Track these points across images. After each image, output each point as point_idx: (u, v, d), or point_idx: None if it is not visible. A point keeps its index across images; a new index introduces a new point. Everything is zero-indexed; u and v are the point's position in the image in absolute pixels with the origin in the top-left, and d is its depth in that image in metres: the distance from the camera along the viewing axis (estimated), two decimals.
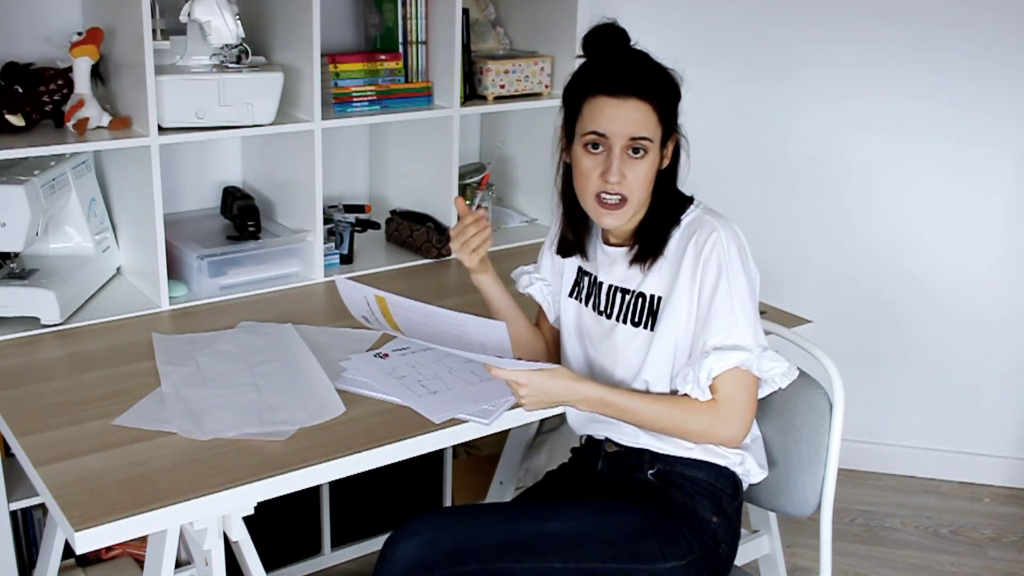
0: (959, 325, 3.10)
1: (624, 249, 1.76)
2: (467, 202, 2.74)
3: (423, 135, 2.64)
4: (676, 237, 1.71)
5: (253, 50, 2.30)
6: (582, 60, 1.70)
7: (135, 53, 2.09)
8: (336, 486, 2.56)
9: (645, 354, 1.73)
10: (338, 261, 2.53)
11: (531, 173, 2.93)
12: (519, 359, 1.65)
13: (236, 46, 2.23)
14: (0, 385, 1.88)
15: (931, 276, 3.07)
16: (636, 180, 1.65)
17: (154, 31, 2.16)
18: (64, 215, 2.26)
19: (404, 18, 2.53)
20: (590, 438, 1.87)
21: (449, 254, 2.56)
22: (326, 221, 2.50)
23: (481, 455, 2.90)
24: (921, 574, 2.79)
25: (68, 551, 2.18)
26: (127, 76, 2.19)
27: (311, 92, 2.31)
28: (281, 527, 2.51)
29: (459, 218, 1.86)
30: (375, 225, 2.64)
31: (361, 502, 2.66)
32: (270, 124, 2.30)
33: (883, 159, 3.01)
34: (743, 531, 1.91)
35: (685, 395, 1.68)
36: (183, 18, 2.18)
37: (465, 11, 2.55)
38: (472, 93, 2.66)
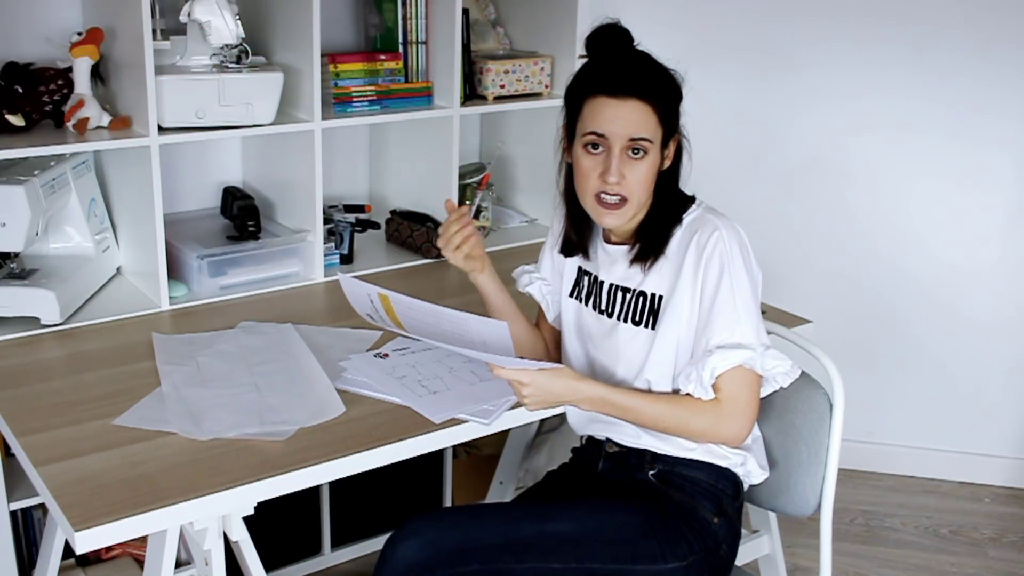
0: (959, 325, 3.10)
1: (625, 248, 1.76)
2: (467, 202, 2.74)
3: (423, 135, 2.64)
4: (678, 236, 1.71)
5: (253, 50, 2.30)
6: (584, 60, 1.70)
7: (135, 53, 2.09)
8: (336, 486, 2.56)
9: (647, 353, 1.73)
10: (338, 261, 2.53)
11: (531, 173, 2.93)
12: (520, 358, 1.65)
13: (236, 46, 2.23)
14: (0, 385, 1.88)
15: (931, 276, 3.07)
16: (636, 180, 1.65)
17: (154, 31, 2.16)
18: (64, 215, 2.26)
19: (404, 18, 2.53)
20: (591, 438, 1.87)
21: None
22: (326, 221, 2.50)
23: (481, 455, 2.90)
24: (921, 574, 2.78)
25: (68, 551, 2.18)
26: (127, 76, 2.19)
27: (311, 92, 2.31)
28: (281, 527, 2.51)
29: (447, 210, 1.86)
30: (375, 225, 2.64)
31: (361, 502, 2.66)
32: (270, 124, 2.30)
33: (883, 159, 3.01)
34: (743, 531, 1.91)
35: (687, 394, 1.68)
36: (183, 18, 2.18)
37: (465, 11, 2.55)
38: (472, 93, 2.66)
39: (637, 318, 1.75)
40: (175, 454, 1.65)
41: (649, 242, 1.72)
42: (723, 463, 1.75)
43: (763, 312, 1.74)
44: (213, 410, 1.78)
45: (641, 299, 1.74)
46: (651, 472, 1.77)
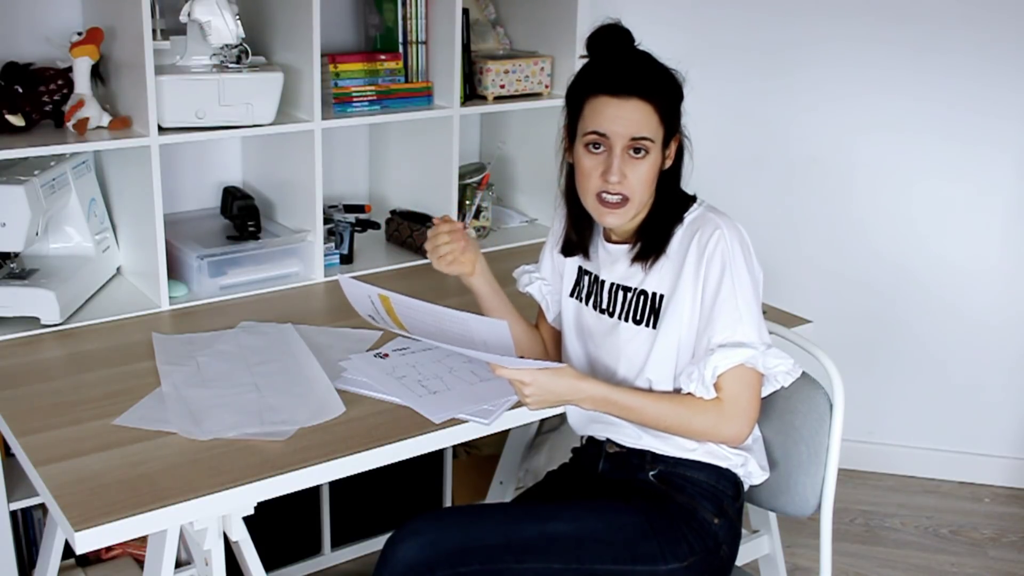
0: (959, 325, 3.10)
1: (626, 247, 1.76)
2: (467, 202, 2.74)
3: (423, 135, 2.64)
4: (679, 235, 1.71)
5: (253, 50, 2.30)
6: (585, 60, 1.70)
7: (135, 53, 2.09)
8: (336, 486, 2.56)
9: (648, 352, 1.73)
10: (338, 261, 2.53)
11: (531, 173, 2.92)
12: (521, 358, 1.65)
13: (236, 46, 2.23)
14: (0, 385, 1.87)
15: (931, 276, 3.07)
16: (637, 180, 1.65)
17: (154, 31, 2.16)
18: (64, 215, 2.26)
19: (404, 18, 2.53)
20: (591, 438, 1.87)
21: None
22: (326, 221, 2.50)
23: (481, 455, 2.90)
24: (921, 574, 2.79)
25: (68, 551, 2.18)
26: (127, 76, 2.19)
27: (311, 92, 2.31)
28: (281, 527, 2.51)
29: (438, 221, 1.84)
30: (375, 225, 2.64)
31: (361, 502, 2.66)
32: (270, 124, 2.30)
33: (884, 159, 3.01)
34: (743, 531, 1.91)
35: (689, 394, 1.68)
36: (183, 18, 2.18)
37: (465, 11, 2.55)
38: (472, 93, 2.66)
39: (638, 317, 1.75)
40: (175, 454, 1.65)
41: (650, 241, 1.72)
42: (724, 464, 1.75)
43: (764, 312, 1.74)
44: (213, 410, 1.78)
45: (642, 298, 1.74)
46: (651, 472, 1.76)
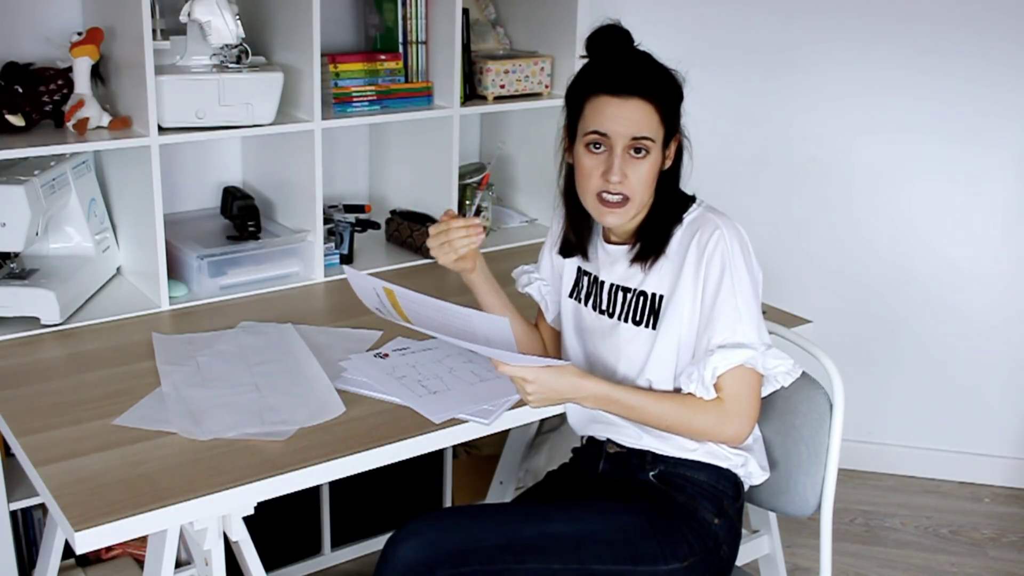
0: (959, 325, 3.10)
1: (625, 247, 1.76)
2: (467, 202, 2.75)
3: (423, 135, 2.64)
4: (678, 236, 1.71)
5: (253, 50, 2.30)
6: (585, 60, 1.70)
7: (135, 53, 2.09)
8: (336, 486, 2.56)
9: (648, 353, 1.73)
10: (338, 261, 2.53)
11: (531, 173, 2.92)
12: (524, 355, 1.65)
13: (236, 46, 2.23)
14: (0, 385, 1.87)
15: (931, 276, 3.07)
16: (637, 180, 1.65)
17: (154, 31, 2.16)
18: (64, 215, 2.26)
19: (404, 18, 2.53)
20: (591, 439, 1.87)
21: None
22: (326, 221, 2.50)
23: (481, 455, 2.90)
24: (921, 574, 2.79)
25: (68, 551, 2.18)
26: (127, 76, 2.19)
27: (311, 92, 2.31)
28: (281, 527, 2.51)
29: (446, 219, 1.80)
30: (375, 225, 2.64)
31: (361, 502, 2.66)
32: (270, 124, 2.30)
33: (884, 159, 3.01)
34: (743, 531, 1.91)
35: (690, 393, 1.68)
36: (183, 18, 2.18)
37: (465, 11, 2.55)
38: (472, 93, 2.66)
39: (638, 318, 1.75)
40: (175, 454, 1.65)
41: (650, 242, 1.72)
42: (724, 464, 1.75)
43: (763, 312, 1.74)
44: (213, 410, 1.78)
45: (642, 299, 1.74)
46: (652, 473, 1.77)
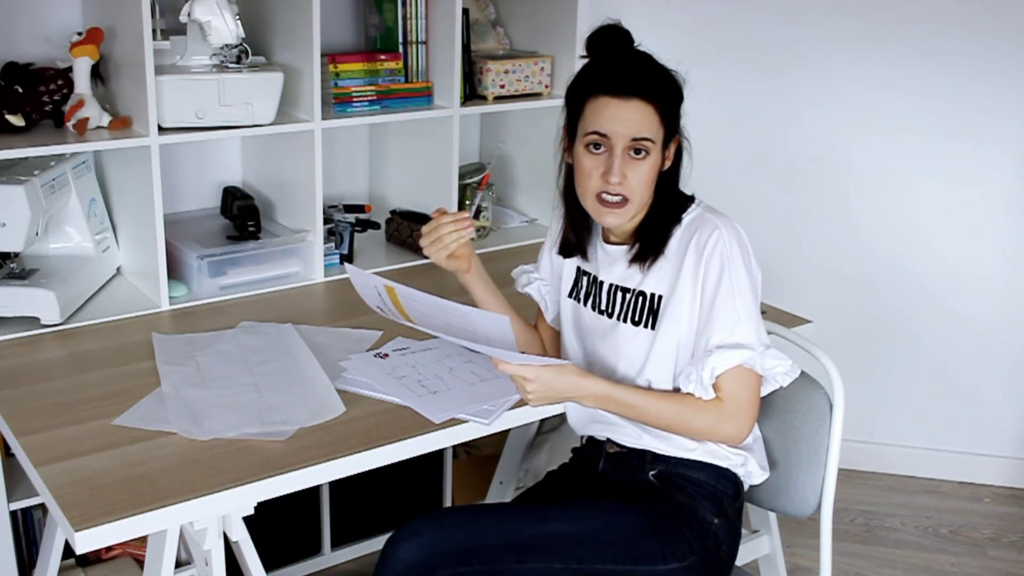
0: (959, 325, 3.10)
1: (624, 248, 1.76)
2: (467, 202, 2.75)
3: (423, 135, 2.64)
4: (677, 236, 1.71)
5: (253, 50, 2.30)
6: (585, 60, 1.70)
7: (135, 53, 2.09)
8: (336, 486, 2.56)
9: (647, 353, 1.73)
10: (338, 261, 2.53)
11: (531, 173, 2.92)
12: (523, 354, 1.65)
13: (236, 46, 2.23)
14: (0, 385, 1.87)
15: (931, 276, 3.07)
16: (637, 181, 1.65)
17: (154, 31, 2.16)
18: (64, 215, 2.26)
19: (404, 18, 2.53)
20: (591, 438, 1.87)
21: None
22: (326, 221, 2.50)
23: (481, 455, 2.90)
24: (921, 574, 2.79)
25: (68, 551, 2.18)
26: (127, 76, 2.19)
27: (311, 92, 2.31)
28: (281, 527, 2.51)
29: (436, 216, 1.80)
30: (375, 225, 2.64)
31: (361, 502, 2.66)
32: (270, 124, 2.30)
33: (883, 159, 3.01)
34: (743, 531, 1.91)
35: (689, 393, 1.68)
36: (183, 18, 2.18)
37: (465, 11, 2.55)
38: (472, 93, 2.66)
39: (637, 318, 1.75)
40: (175, 454, 1.65)
41: (649, 242, 1.72)
42: (724, 463, 1.75)
43: (763, 312, 1.74)
44: (213, 410, 1.78)
45: (641, 299, 1.74)
46: (652, 472, 1.77)
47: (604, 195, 1.67)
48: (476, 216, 2.78)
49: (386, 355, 2.02)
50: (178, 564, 2.19)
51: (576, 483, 1.88)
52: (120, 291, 2.33)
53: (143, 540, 1.84)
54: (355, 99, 2.46)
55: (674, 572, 1.67)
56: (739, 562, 1.90)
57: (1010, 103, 2.91)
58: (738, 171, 3.06)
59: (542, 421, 2.56)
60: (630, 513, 1.70)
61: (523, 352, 1.86)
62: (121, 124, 2.17)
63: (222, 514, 1.62)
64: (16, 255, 2.16)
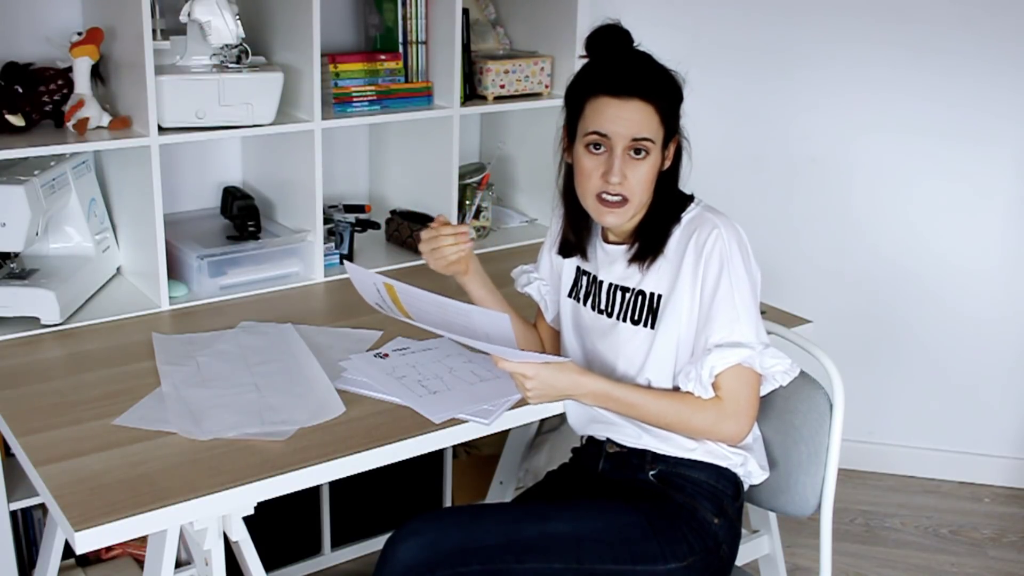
0: (959, 325, 3.10)
1: (624, 247, 1.76)
2: (467, 202, 2.75)
3: (423, 135, 2.64)
4: (676, 235, 1.71)
5: (253, 50, 2.30)
6: (585, 60, 1.70)
7: (135, 53, 2.09)
8: (336, 486, 2.56)
9: (647, 352, 1.73)
10: (338, 261, 2.53)
11: (531, 173, 2.93)
12: (523, 351, 1.65)
13: (236, 46, 2.23)
14: (0, 385, 1.87)
15: (931, 276, 3.07)
16: (637, 181, 1.66)
17: (154, 31, 2.16)
18: (64, 215, 2.26)
19: (404, 18, 2.53)
20: (591, 438, 1.87)
21: None
22: (326, 221, 2.50)
23: (481, 455, 2.90)
24: (921, 574, 2.79)
25: (68, 551, 2.18)
26: (127, 76, 2.19)
27: (311, 92, 2.31)
28: (281, 527, 2.51)
29: (436, 225, 1.81)
30: (375, 225, 2.64)
31: (361, 502, 2.66)
32: (270, 124, 2.30)
33: (883, 159, 3.01)
34: (743, 531, 1.91)
35: (689, 392, 1.68)
36: (183, 18, 2.18)
37: (465, 11, 2.55)
38: (472, 93, 2.66)
39: (636, 317, 1.75)
40: (175, 454, 1.65)
41: (648, 241, 1.72)
42: (723, 463, 1.75)
43: (763, 312, 1.74)
44: (213, 410, 1.78)
45: (640, 298, 1.74)
46: (651, 472, 1.77)
47: (604, 195, 1.67)
48: (476, 216, 2.78)
49: (386, 355, 2.02)
50: (178, 564, 2.19)
51: (576, 483, 1.88)
52: (120, 291, 2.33)
53: (143, 540, 1.84)
54: (355, 99, 2.46)
55: (674, 572, 1.67)
56: (739, 562, 1.90)
57: (1010, 103, 2.91)
58: (738, 171, 3.06)
59: (542, 421, 2.56)
60: (630, 513, 1.70)
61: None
62: (121, 124, 2.17)
63: (222, 514, 1.62)
64: (16, 255, 2.16)
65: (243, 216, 2.43)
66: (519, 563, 1.62)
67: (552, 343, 1.97)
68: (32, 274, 2.16)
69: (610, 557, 1.64)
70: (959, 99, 2.92)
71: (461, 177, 2.67)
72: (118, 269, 2.42)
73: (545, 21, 2.75)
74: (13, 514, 2.13)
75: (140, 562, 2.35)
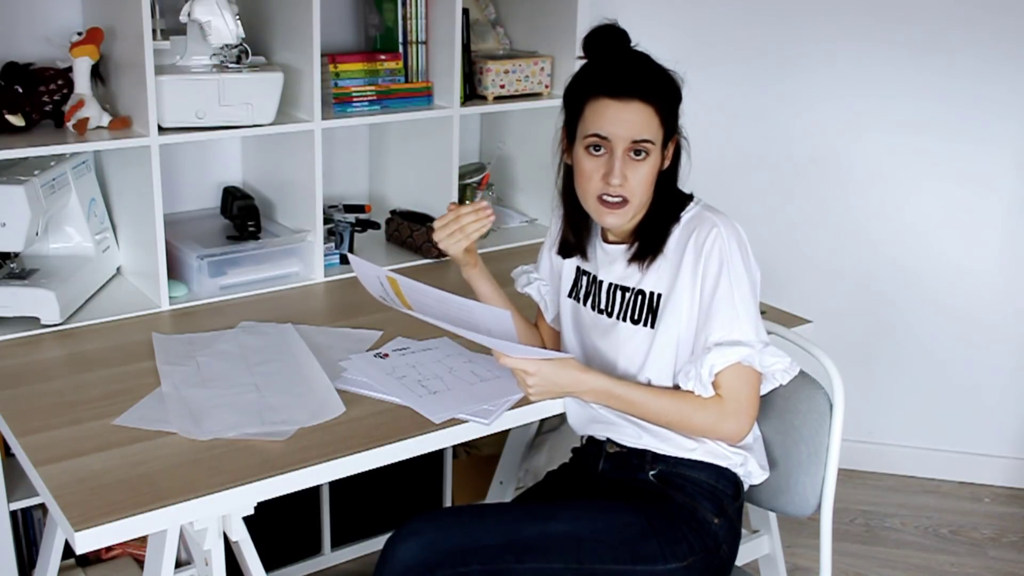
0: (959, 325, 3.10)
1: (624, 247, 1.76)
2: (467, 202, 2.74)
3: (423, 135, 2.64)
4: (676, 234, 1.71)
5: (253, 50, 2.30)
6: (583, 61, 1.70)
7: (135, 53, 2.09)
8: (336, 486, 2.56)
9: (647, 351, 1.73)
10: (338, 261, 2.53)
11: (531, 173, 2.93)
12: (525, 347, 1.65)
13: (236, 46, 2.23)
14: (0, 385, 1.87)
15: (931, 276, 3.07)
16: (638, 182, 1.66)
17: (154, 31, 2.16)
18: (64, 215, 2.26)
19: (404, 18, 2.53)
20: (591, 438, 1.87)
21: None
22: (326, 221, 2.50)
23: (481, 455, 2.90)
24: (921, 574, 2.79)
25: (68, 551, 2.18)
26: (127, 76, 2.19)
27: (311, 92, 2.31)
28: (281, 527, 2.51)
29: (453, 208, 1.80)
30: (375, 225, 2.64)
31: (361, 502, 2.66)
32: (270, 124, 2.30)
33: (883, 159, 3.01)
34: (743, 531, 1.91)
35: (689, 391, 1.68)
36: (183, 18, 2.18)
37: (465, 11, 2.55)
38: (472, 93, 2.66)
39: (636, 316, 1.75)
40: (175, 454, 1.65)
41: (647, 241, 1.72)
42: (723, 463, 1.75)
43: (763, 312, 1.74)
44: (213, 410, 1.78)
45: (640, 297, 1.74)
46: (652, 472, 1.77)
47: (605, 196, 1.67)
48: None
49: (386, 355, 2.02)
50: (178, 564, 2.19)
51: (576, 483, 1.88)
52: (120, 291, 2.33)
53: (143, 540, 1.85)
54: (355, 99, 2.46)
55: (674, 572, 1.67)
56: (739, 562, 1.90)
57: (1010, 103, 2.91)
58: (738, 171, 3.06)
59: (542, 421, 2.56)
60: (630, 513, 1.70)
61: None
62: (121, 124, 2.17)
63: (222, 514, 1.62)
64: (16, 255, 2.16)
65: (243, 216, 2.43)
66: (519, 563, 1.62)
67: (552, 343, 1.97)
68: (32, 274, 2.16)
69: (610, 557, 1.64)
70: (959, 99, 2.92)
71: (461, 177, 2.67)
72: (118, 269, 2.42)
73: (545, 21, 2.75)
74: (13, 514, 2.13)
75: (140, 562, 2.35)
